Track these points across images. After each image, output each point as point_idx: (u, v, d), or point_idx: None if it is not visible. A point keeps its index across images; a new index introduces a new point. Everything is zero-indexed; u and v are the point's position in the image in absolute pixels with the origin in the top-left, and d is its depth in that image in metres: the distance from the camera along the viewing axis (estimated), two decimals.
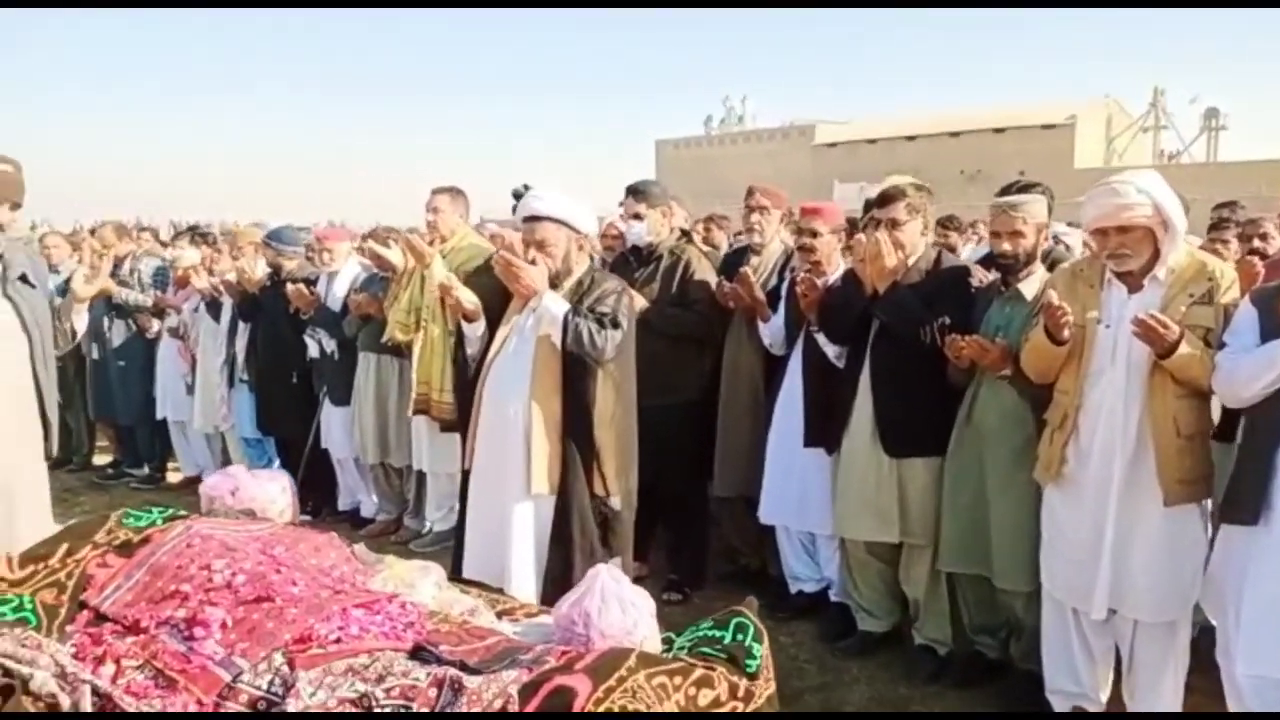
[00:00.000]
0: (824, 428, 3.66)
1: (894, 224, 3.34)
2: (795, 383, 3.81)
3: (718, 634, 2.27)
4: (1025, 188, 3.27)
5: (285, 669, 2.08)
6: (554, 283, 3.06)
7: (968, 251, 7.28)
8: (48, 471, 3.23)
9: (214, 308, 5.95)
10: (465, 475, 3.13)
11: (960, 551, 3.26)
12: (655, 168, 67.64)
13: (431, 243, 4.69)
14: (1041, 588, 3.03)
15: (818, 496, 3.78)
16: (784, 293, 3.92)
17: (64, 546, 2.65)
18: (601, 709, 1.82)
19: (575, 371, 3.00)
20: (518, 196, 4.49)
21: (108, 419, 6.73)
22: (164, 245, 8.07)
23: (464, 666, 1.98)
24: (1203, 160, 52.35)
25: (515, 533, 2.94)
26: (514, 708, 1.84)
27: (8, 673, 2.15)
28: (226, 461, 6.54)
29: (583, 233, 3.11)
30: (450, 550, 4.53)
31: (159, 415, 6.47)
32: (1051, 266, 3.82)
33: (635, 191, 4.17)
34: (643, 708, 1.86)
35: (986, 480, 3.18)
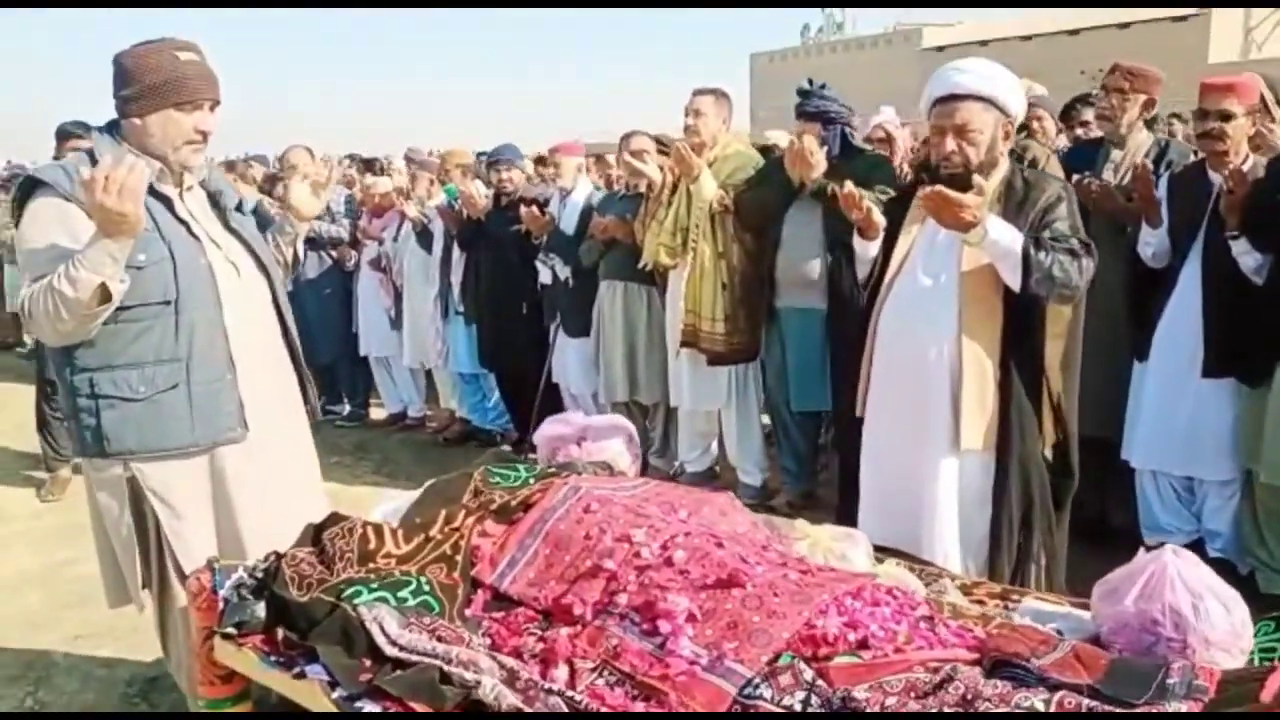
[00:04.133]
0: (1238, 355, 3.05)
1: None
2: (1189, 302, 3.18)
3: None
4: None
5: (820, 684, 1.62)
6: (969, 179, 2.44)
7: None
8: None
9: (424, 237, 5.57)
10: (858, 423, 2.61)
11: None
12: (749, 83, 65.40)
13: (694, 151, 4.14)
14: None
15: (1214, 436, 3.19)
16: (1164, 194, 3.27)
17: (442, 513, 2.25)
18: None
19: (1022, 309, 2.42)
20: (805, 95, 3.92)
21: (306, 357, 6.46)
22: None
23: (1094, 692, 1.49)
24: None
25: (941, 495, 2.42)
26: None
27: (445, 678, 1.76)
28: (434, 398, 6.28)
29: (1012, 116, 2.49)
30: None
31: (362, 352, 6.17)
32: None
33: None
34: None
35: None
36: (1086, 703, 1.44)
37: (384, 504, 2.57)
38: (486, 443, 5.71)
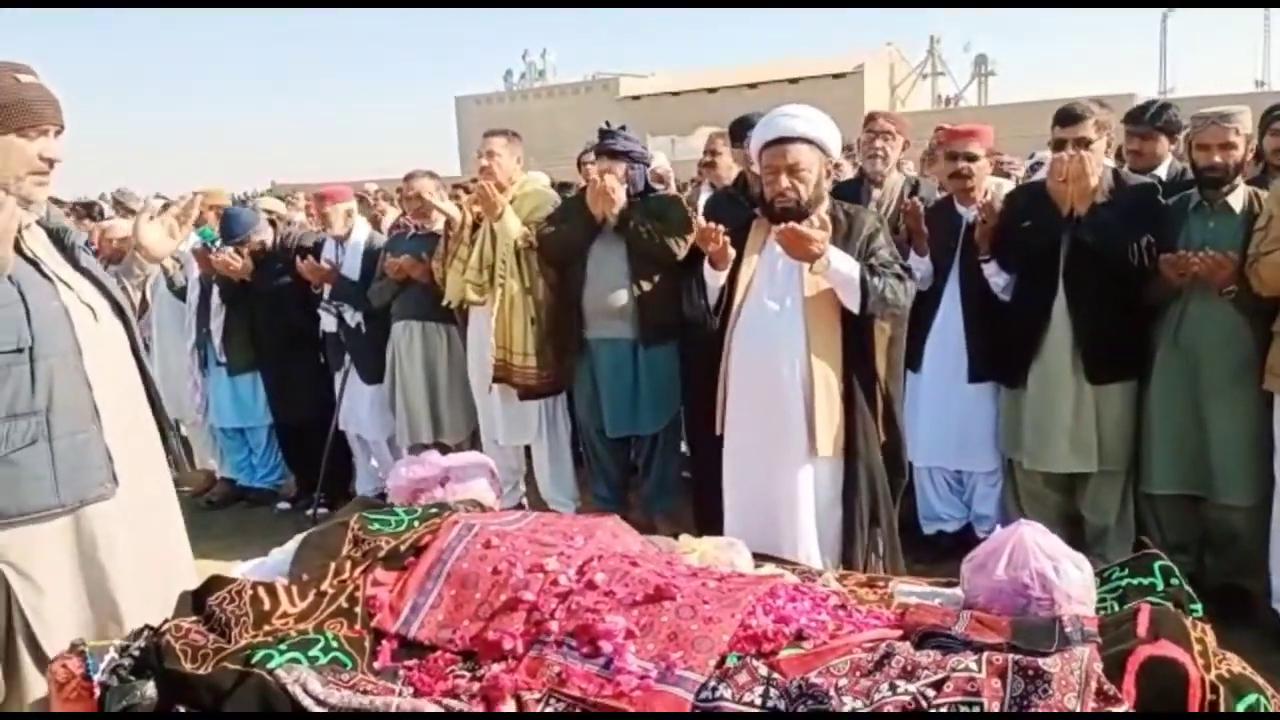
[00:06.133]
0: (996, 361, 3.56)
1: (1084, 143, 3.23)
2: (951, 318, 3.67)
3: (1145, 581, 2.10)
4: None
5: (776, 676, 1.73)
6: (801, 213, 2.70)
7: None
8: None
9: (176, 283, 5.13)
10: (718, 441, 2.76)
11: (1172, 473, 3.26)
12: (457, 126, 65.59)
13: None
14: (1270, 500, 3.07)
15: (980, 433, 3.69)
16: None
17: (331, 566, 2.13)
18: (1210, 676, 1.62)
19: (858, 327, 2.71)
20: (609, 135, 4.08)
21: None
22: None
23: (1012, 648, 1.71)
24: (975, 104, 56.36)
25: (801, 500, 2.63)
26: (1108, 688, 1.60)
27: None
28: (189, 458, 5.74)
29: (832, 156, 2.78)
30: None
31: None
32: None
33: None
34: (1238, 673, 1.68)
35: (1202, 399, 3.17)
36: (1012, 658, 1.66)
37: (240, 566, 2.39)
38: (257, 502, 5.32)
